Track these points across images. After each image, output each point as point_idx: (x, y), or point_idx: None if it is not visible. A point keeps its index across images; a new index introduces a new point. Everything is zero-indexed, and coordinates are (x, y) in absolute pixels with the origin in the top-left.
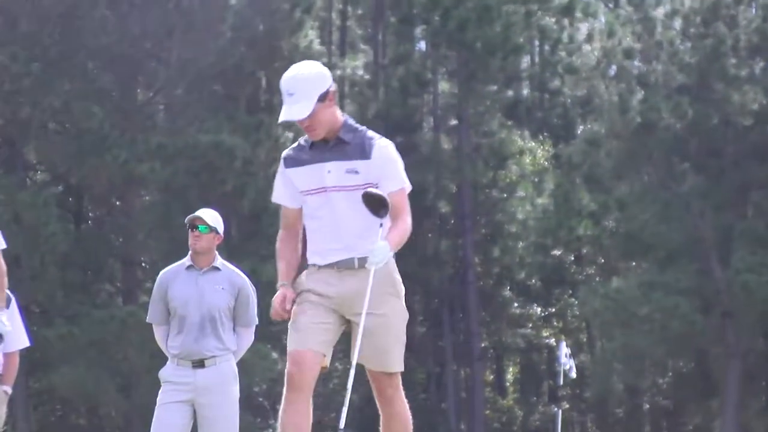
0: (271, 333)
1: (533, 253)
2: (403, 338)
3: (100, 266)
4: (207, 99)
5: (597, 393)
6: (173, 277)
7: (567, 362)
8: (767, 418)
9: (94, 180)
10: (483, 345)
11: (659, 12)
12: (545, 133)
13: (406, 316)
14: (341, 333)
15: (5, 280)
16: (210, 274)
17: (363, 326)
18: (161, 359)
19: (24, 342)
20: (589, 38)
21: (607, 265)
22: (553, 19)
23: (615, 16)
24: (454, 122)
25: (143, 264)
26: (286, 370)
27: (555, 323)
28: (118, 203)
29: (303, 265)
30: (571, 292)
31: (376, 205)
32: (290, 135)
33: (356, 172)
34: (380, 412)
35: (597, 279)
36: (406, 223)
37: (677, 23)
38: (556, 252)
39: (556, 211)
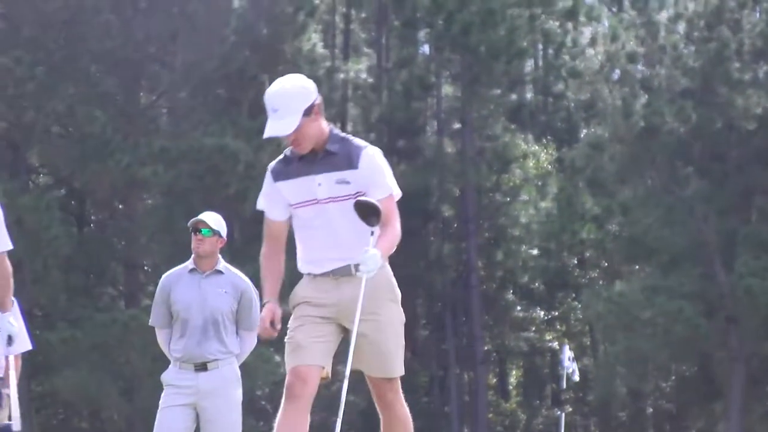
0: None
1: (536, 257)
2: (403, 342)
3: (103, 270)
4: (210, 103)
5: (600, 396)
6: (176, 281)
7: (570, 366)
8: None
9: (96, 183)
10: (486, 348)
11: (663, 16)
12: (549, 137)
13: (404, 319)
14: (340, 341)
15: (11, 282)
16: (213, 277)
17: (357, 334)
18: (164, 363)
19: (26, 345)
20: (593, 42)
21: (610, 269)
22: (557, 23)
23: (618, 20)
24: (457, 126)
25: (146, 267)
26: (286, 381)
27: (558, 327)
28: (120, 207)
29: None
30: (574, 295)
31: (368, 213)
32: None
33: (347, 182)
34: (380, 415)
35: (600, 283)
36: (396, 229)
37: (681, 27)
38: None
39: (559, 215)
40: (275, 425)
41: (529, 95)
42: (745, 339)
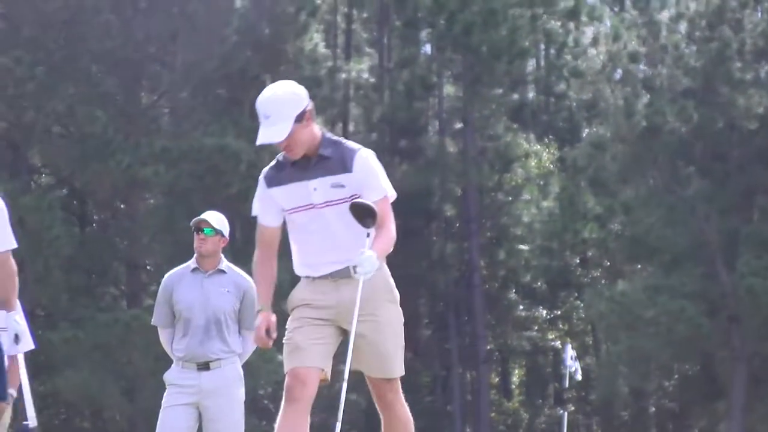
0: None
1: (539, 256)
2: (402, 343)
3: (105, 269)
4: (211, 103)
5: (603, 396)
6: (178, 280)
7: (573, 365)
8: None
9: (98, 183)
10: (489, 348)
11: (664, 16)
12: (551, 137)
13: (402, 320)
14: (339, 343)
15: (16, 280)
16: (215, 277)
17: (357, 335)
18: (166, 362)
19: (29, 345)
20: (595, 42)
21: (612, 269)
22: (559, 23)
23: (620, 20)
24: (459, 125)
25: (148, 267)
26: (285, 384)
27: (560, 326)
28: (122, 207)
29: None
30: (576, 295)
31: (363, 214)
32: None
33: (342, 186)
34: (381, 416)
35: (602, 282)
36: (391, 231)
37: (682, 27)
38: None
39: (561, 215)
40: (275, 428)
41: (531, 95)
42: (747, 338)
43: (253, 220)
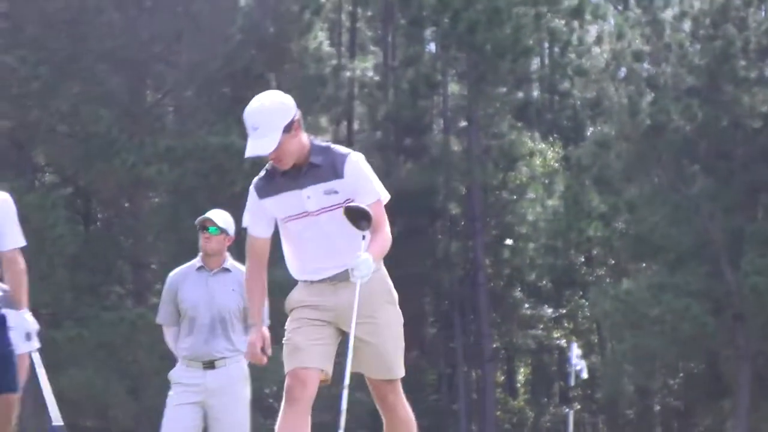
0: (282, 334)
1: (544, 255)
2: (402, 344)
3: (109, 268)
4: (216, 101)
5: (608, 394)
6: (183, 279)
7: (578, 363)
8: None
9: (102, 182)
10: (494, 346)
11: (668, 14)
12: (555, 135)
13: (402, 321)
14: (338, 343)
15: (25, 278)
16: (220, 275)
17: (356, 337)
18: (171, 361)
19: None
20: (599, 40)
21: (617, 267)
22: (563, 22)
23: (624, 19)
24: (463, 124)
25: (152, 266)
26: (285, 384)
27: (566, 324)
28: (126, 205)
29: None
30: (581, 293)
31: (358, 217)
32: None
33: (335, 192)
34: (383, 417)
35: (607, 280)
36: (387, 233)
37: (686, 25)
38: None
39: (566, 213)
40: (276, 428)
41: (535, 93)
42: (752, 337)
43: None
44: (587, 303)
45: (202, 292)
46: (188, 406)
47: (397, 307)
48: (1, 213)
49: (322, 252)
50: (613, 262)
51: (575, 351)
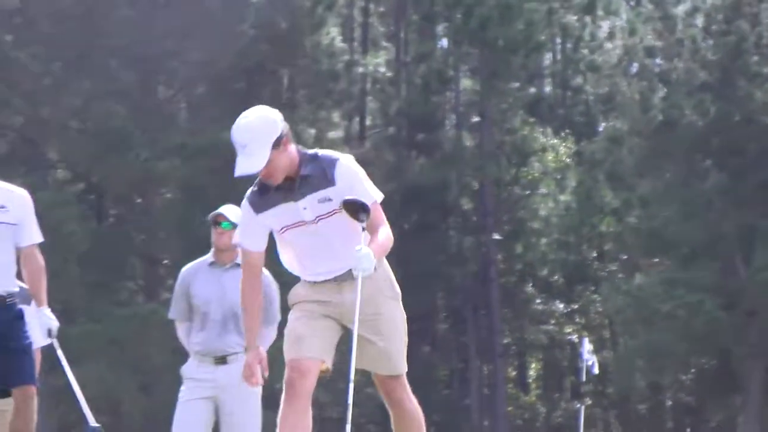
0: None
1: (556, 250)
2: (406, 339)
3: (122, 264)
4: (228, 97)
5: (620, 389)
6: (195, 274)
7: (590, 358)
8: None
9: (114, 178)
10: (505, 341)
11: (680, 9)
12: (567, 131)
13: (405, 316)
14: (340, 337)
15: (44, 275)
16: (233, 270)
17: (360, 335)
18: (183, 356)
19: (45, 340)
20: (611, 36)
21: (629, 262)
22: (575, 17)
23: (636, 14)
24: (476, 119)
25: (165, 261)
26: (285, 377)
27: (577, 320)
28: (139, 201)
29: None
30: (593, 288)
31: (356, 210)
32: (312, 132)
33: (329, 199)
34: (390, 411)
35: (619, 276)
36: (389, 232)
37: (699, 20)
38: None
39: (578, 208)
40: (278, 422)
41: (547, 89)
42: (764, 332)
43: None
44: (599, 298)
45: (214, 287)
46: (200, 401)
47: (401, 303)
48: (20, 209)
49: (323, 257)
50: (625, 257)
51: (587, 346)
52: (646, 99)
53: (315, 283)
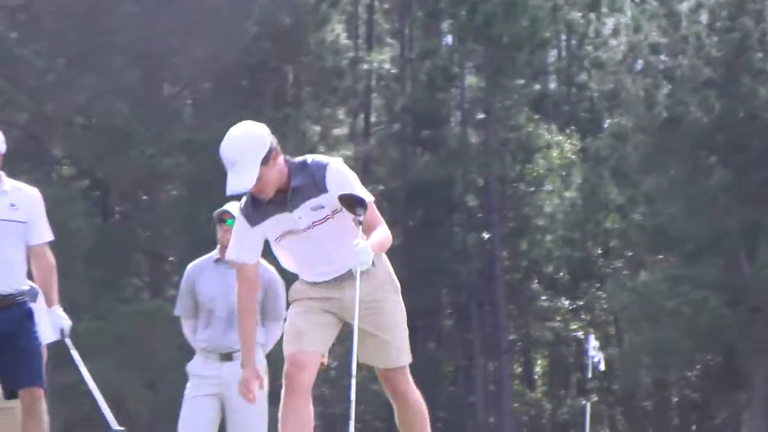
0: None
1: (561, 247)
2: (407, 331)
3: (127, 261)
4: (233, 94)
5: (625, 386)
6: (201, 271)
7: (595, 355)
8: None
9: (119, 175)
10: (511, 338)
11: (685, 6)
12: (572, 127)
13: (404, 310)
14: (339, 331)
15: (55, 273)
16: None
17: (361, 329)
18: (188, 353)
19: (51, 336)
20: (616, 33)
21: (634, 259)
22: (580, 14)
23: (641, 11)
24: (481, 116)
25: (170, 258)
26: (284, 371)
27: (583, 316)
28: (144, 198)
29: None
30: (598, 285)
31: (352, 204)
32: (317, 129)
33: (322, 207)
34: (393, 404)
35: (624, 272)
36: (386, 231)
37: (703, 17)
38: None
39: (583, 205)
40: (280, 417)
41: (552, 85)
42: None
43: None
44: (604, 295)
45: (219, 284)
46: (206, 398)
47: (400, 297)
48: (30, 208)
49: (318, 261)
50: (630, 254)
51: (592, 343)
52: (651, 96)
53: (315, 283)
